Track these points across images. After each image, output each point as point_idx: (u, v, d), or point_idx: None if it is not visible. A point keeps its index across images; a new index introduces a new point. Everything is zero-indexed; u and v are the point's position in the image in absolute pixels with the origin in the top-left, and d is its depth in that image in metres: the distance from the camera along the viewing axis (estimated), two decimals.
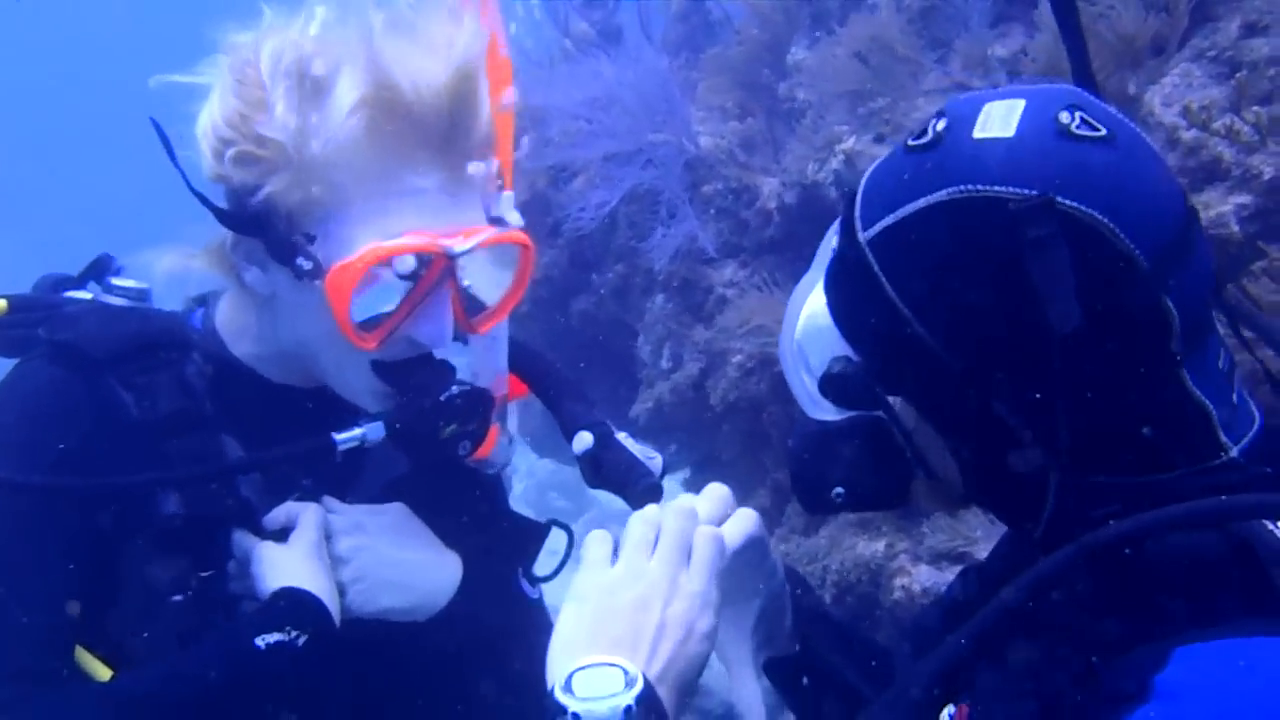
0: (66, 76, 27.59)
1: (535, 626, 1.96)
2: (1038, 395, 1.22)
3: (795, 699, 1.69)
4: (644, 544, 1.37)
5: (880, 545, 3.70)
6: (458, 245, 1.64)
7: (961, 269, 1.22)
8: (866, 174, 1.35)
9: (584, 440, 1.85)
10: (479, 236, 1.66)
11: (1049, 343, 1.17)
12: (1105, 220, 1.18)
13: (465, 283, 1.80)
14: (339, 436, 1.70)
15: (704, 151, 4.62)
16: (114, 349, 1.75)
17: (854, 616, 3.70)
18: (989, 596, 1.39)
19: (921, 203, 1.24)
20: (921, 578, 3.57)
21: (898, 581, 3.60)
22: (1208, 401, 1.24)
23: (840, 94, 4.22)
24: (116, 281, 1.87)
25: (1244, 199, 2.94)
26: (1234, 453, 1.25)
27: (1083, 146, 1.21)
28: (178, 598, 1.72)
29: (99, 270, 1.90)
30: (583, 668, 1.23)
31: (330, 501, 1.81)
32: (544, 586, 2.02)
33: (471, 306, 1.78)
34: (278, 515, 1.78)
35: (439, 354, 1.75)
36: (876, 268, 1.28)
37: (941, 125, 1.27)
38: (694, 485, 4.93)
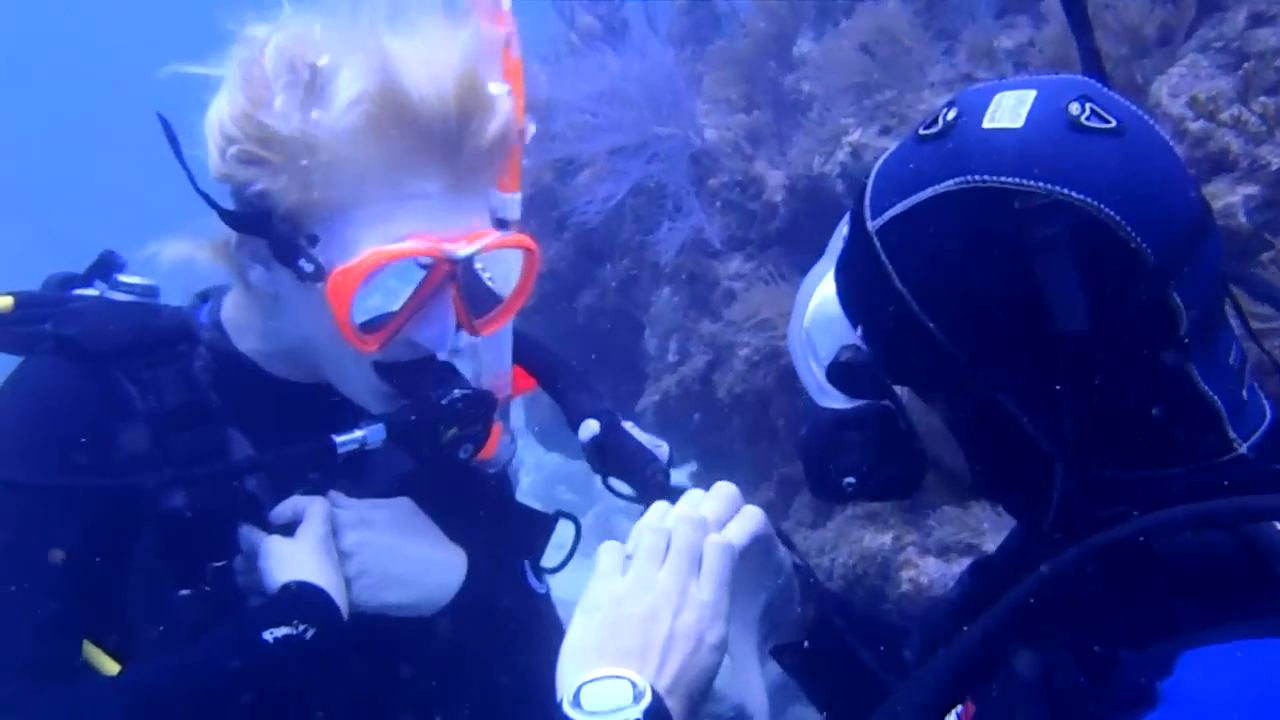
0: (77, 67, 27.62)
1: (542, 620, 1.96)
2: (1043, 388, 1.21)
3: (808, 683, 1.69)
4: (654, 553, 1.36)
5: (888, 538, 3.70)
6: (460, 250, 1.63)
7: (968, 260, 1.21)
8: (878, 162, 1.34)
9: (590, 428, 1.85)
10: (482, 241, 1.66)
11: (1055, 337, 1.17)
12: (1112, 214, 1.17)
13: (486, 275, 1.80)
14: (339, 439, 1.70)
15: (710, 144, 4.62)
16: (119, 343, 1.75)
17: (859, 612, 3.70)
18: (997, 590, 1.39)
19: (929, 192, 1.24)
20: (929, 570, 3.57)
21: (905, 574, 3.60)
22: (1215, 397, 1.24)
23: (846, 86, 4.22)
24: (123, 278, 1.87)
25: (1252, 190, 2.93)
26: (1243, 449, 1.25)
27: (1092, 138, 1.20)
28: (185, 592, 1.72)
29: (105, 267, 1.90)
30: (591, 680, 1.22)
31: (336, 495, 1.81)
32: (552, 579, 2.02)
33: (476, 307, 1.77)
34: (284, 509, 1.78)
35: (442, 355, 1.75)
36: (884, 257, 1.27)
37: (952, 115, 1.26)
38: (701, 479, 4.93)
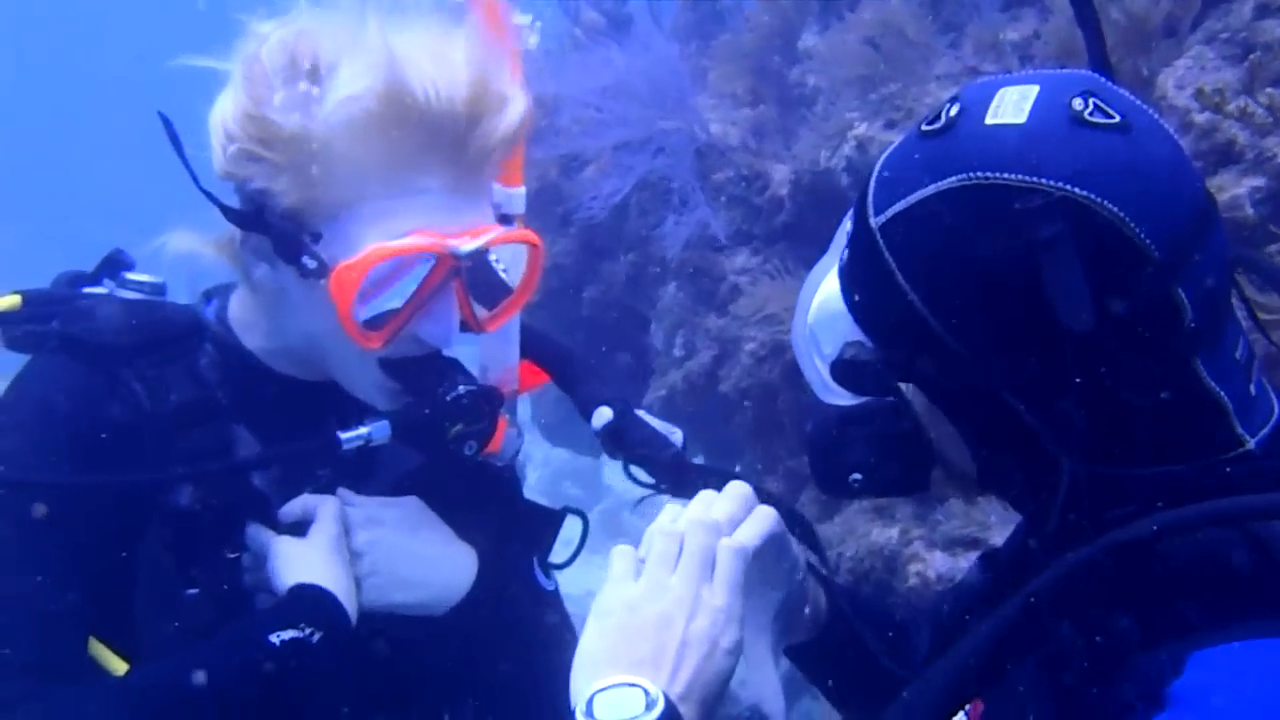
0: (79, 63, 27.65)
1: (550, 617, 1.96)
2: (1048, 385, 1.21)
3: (822, 680, 1.69)
4: (667, 558, 1.36)
5: (895, 532, 3.70)
6: (464, 246, 1.63)
7: (970, 257, 1.21)
8: (881, 158, 1.34)
9: (604, 415, 1.84)
10: (486, 237, 1.65)
11: (1059, 334, 1.17)
12: (1116, 210, 1.16)
13: (501, 267, 1.79)
14: (344, 435, 1.70)
15: (715, 139, 4.62)
16: (126, 341, 1.75)
17: (868, 602, 3.70)
18: (1005, 583, 1.39)
19: (932, 189, 1.23)
20: (936, 564, 3.57)
21: (912, 568, 3.60)
22: (1222, 393, 1.23)
23: (851, 80, 4.21)
24: (131, 276, 1.87)
25: (1258, 181, 2.92)
26: (1251, 444, 1.24)
27: (1095, 134, 1.19)
28: (192, 592, 1.72)
29: (113, 265, 1.90)
30: (604, 689, 1.22)
31: (345, 494, 1.81)
32: (560, 575, 2.02)
33: (484, 301, 1.77)
34: (293, 508, 1.78)
35: (447, 352, 1.75)
36: (887, 254, 1.27)
37: (955, 110, 1.25)
38: None
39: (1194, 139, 2.99)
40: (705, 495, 1.46)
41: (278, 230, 1.62)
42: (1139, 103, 1.25)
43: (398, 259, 1.61)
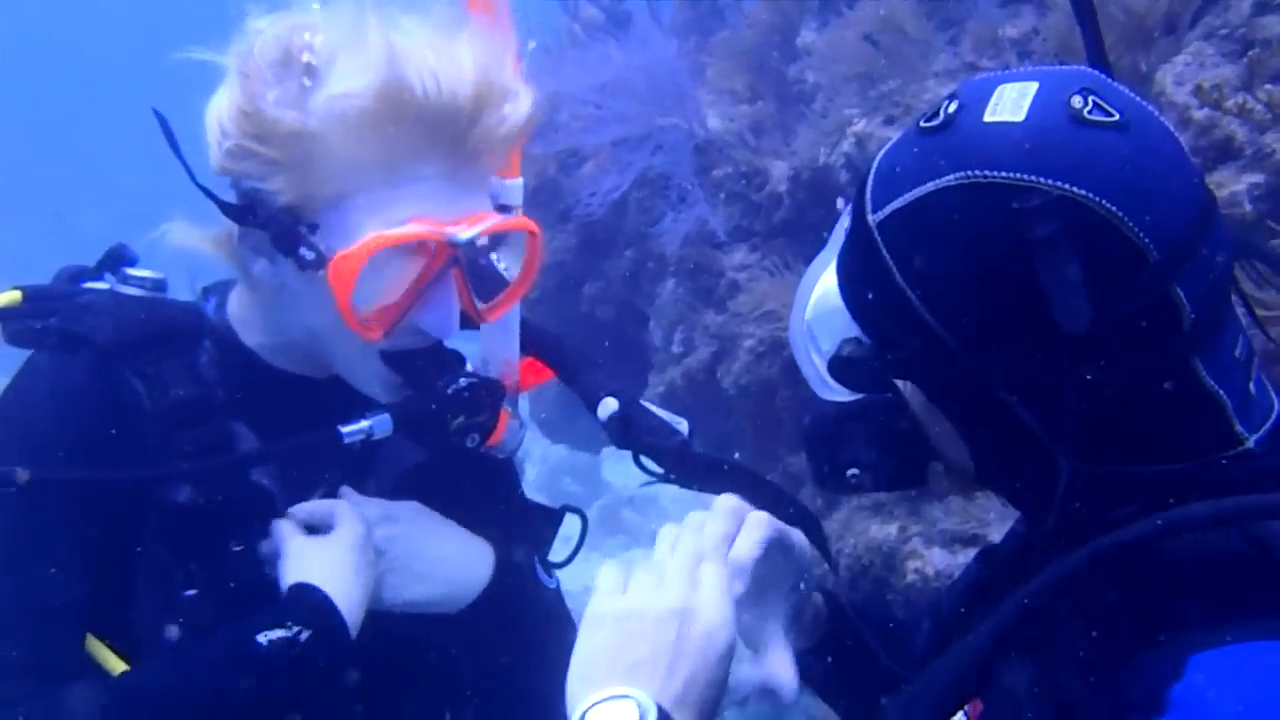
0: (80, 57, 27.63)
1: (554, 615, 1.96)
2: (1044, 384, 1.21)
3: (822, 685, 1.68)
4: (658, 567, 1.36)
5: (893, 528, 3.70)
6: (461, 233, 1.63)
7: (967, 255, 1.20)
8: (880, 154, 1.34)
9: (609, 405, 1.84)
10: (483, 224, 1.65)
11: (1056, 332, 1.17)
12: (1114, 209, 1.16)
13: (501, 265, 1.79)
14: (345, 429, 1.69)
15: (714, 135, 4.62)
16: (125, 338, 1.74)
17: (867, 600, 3.71)
18: (1004, 579, 1.39)
19: (930, 186, 1.22)
20: (935, 560, 3.57)
21: (911, 565, 3.60)
22: (1221, 391, 1.23)
23: (850, 76, 4.21)
24: (132, 271, 1.87)
25: (1257, 178, 2.92)
26: (1250, 443, 1.24)
27: (1094, 132, 1.19)
28: (191, 592, 1.72)
29: (115, 260, 1.90)
30: (597, 703, 1.22)
31: (348, 491, 1.81)
32: (560, 573, 2.02)
33: (484, 294, 1.77)
34: (316, 511, 1.78)
35: (448, 343, 1.75)
36: (885, 251, 1.26)
37: (953, 107, 1.25)
38: None
39: (1193, 135, 2.99)
40: (694, 517, 1.46)
41: (274, 223, 1.62)
42: (1139, 100, 1.24)
43: (396, 247, 1.61)
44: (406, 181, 1.61)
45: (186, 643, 1.69)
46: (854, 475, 1.42)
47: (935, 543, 3.61)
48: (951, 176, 1.21)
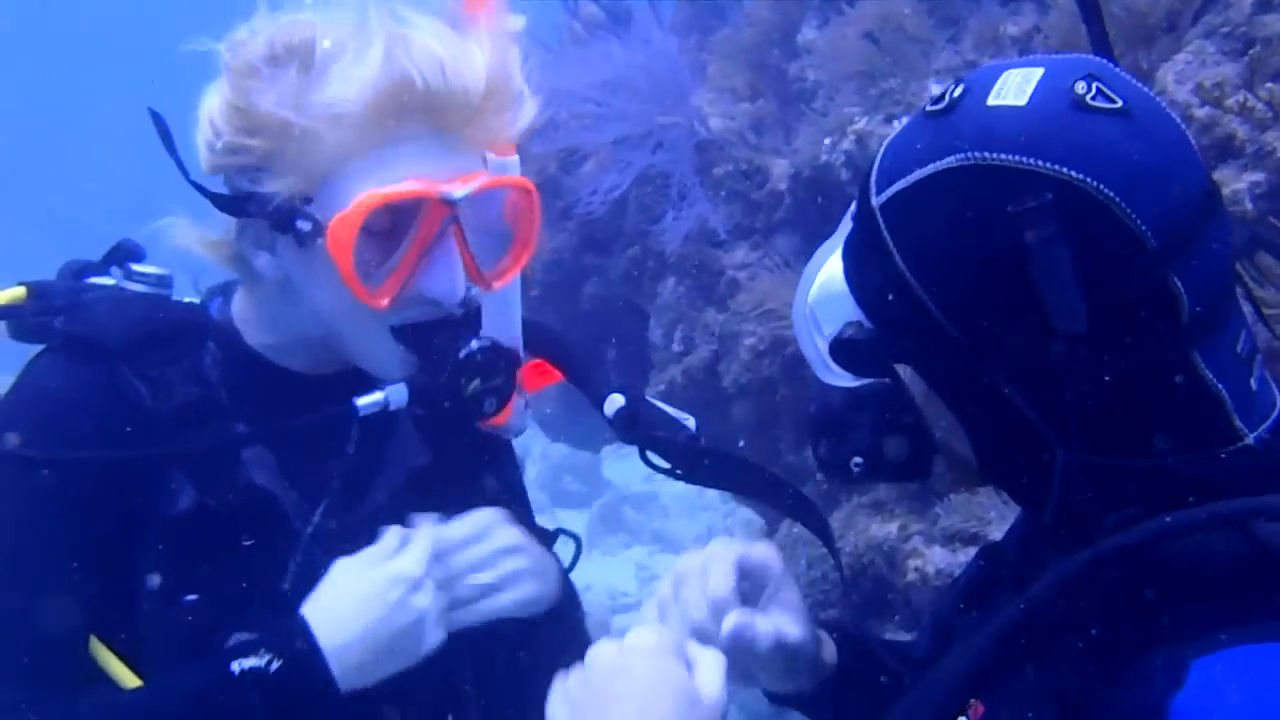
0: (78, 52, 27.61)
1: (558, 616, 1.96)
2: (1040, 371, 1.20)
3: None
4: (648, 634, 1.33)
5: (894, 527, 3.70)
6: (456, 191, 1.63)
7: (965, 238, 1.20)
8: (888, 138, 1.34)
9: (615, 401, 1.84)
10: (478, 180, 1.65)
11: (1051, 319, 1.17)
12: (1111, 194, 1.16)
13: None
14: (360, 401, 1.69)
15: (714, 133, 4.61)
16: (129, 340, 1.74)
17: (868, 598, 3.71)
18: (1006, 576, 1.39)
19: (930, 168, 1.23)
20: (935, 559, 3.57)
21: (911, 563, 3.60)
22: (1220, 385, 1.22)
23: (851, 74, 4.21)
24: (138, 268, 1.86)
25: (1258, 176, 2.92)
26: (1250, 439, 1.23)
27: (1095, 118, 1.19)
28: (191, 597, 1.71)
29: (122, 255, 1.90)
30: None
31: (426, 521, 1.78)
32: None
33: (487, 259, 1.76)
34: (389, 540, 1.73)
35: (456, 312, 1.73)
36: (885, 233, 1.27)
37: (959, 91, 1.25)
38: None
39: (1194, 134, 2.97)
40: (689, 556, 1.46)
41: (269, 204, 1.62)
42: (1144, 89, 1.24)
43: (392, 208, 1.61)
44: (398, 144, 1.61)
45: (189, 648, 1.68)
46: (858, 464, 1.42)
47: (936, 541, 3.61)
48: (951, 158, 1.21)
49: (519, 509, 1.97)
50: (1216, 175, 2.91)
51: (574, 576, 1.98)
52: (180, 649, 1.68)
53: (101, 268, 1.89)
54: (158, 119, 1.65)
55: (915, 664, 1.54)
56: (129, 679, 1.69)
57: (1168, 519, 1.14)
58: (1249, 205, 2.89)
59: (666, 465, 1.79)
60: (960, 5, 4.15)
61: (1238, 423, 1.23)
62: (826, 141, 4.15)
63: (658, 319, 4.82)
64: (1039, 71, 1.23)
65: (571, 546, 2.01)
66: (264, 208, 1.62)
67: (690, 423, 1.84)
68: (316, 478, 1.81)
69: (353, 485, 1.83)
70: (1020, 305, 1.18)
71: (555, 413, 5.47)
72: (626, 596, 9.22)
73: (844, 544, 3.82)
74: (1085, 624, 1.17)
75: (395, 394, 1.69)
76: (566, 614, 1.93)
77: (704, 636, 1.42)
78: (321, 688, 1.63)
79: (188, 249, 1.76)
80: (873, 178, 1.30)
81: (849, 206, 1.39)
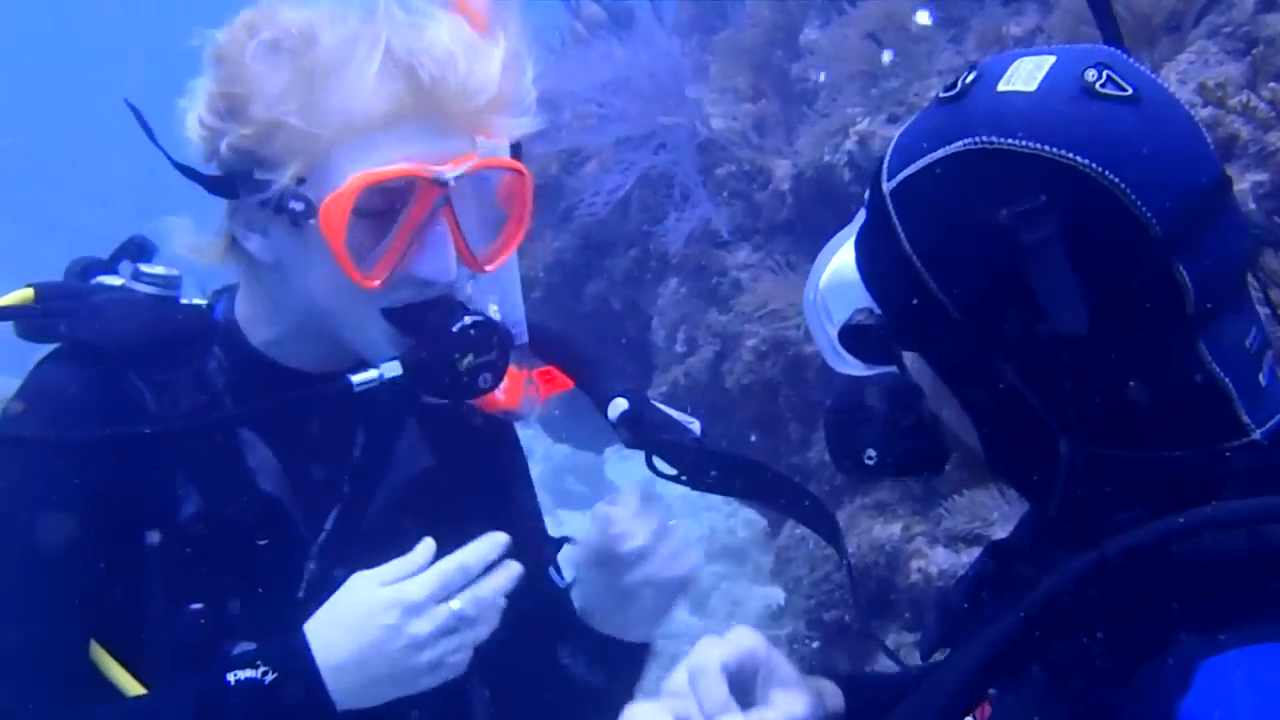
0: (77, 52, 27.63)
1: (562, 614, 1.96)
2: (1044, 360, 1.19)
3: None
4: None
5: (897, 528, 3.70)
6: (447, 172, 1.63)
7: (971, 222, 1.20)
8: (904, 126, 1.34)
9: (619, 405, 1.84)
10: (469, 162, 1.66)
11: None
12: (1117, 180, 1.15)
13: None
14: (355, 378, 1.68)
15: (717, 134, 4.61)
16: (133, 344, 1.73)
17: (871, 599, 3.70)
18: (1013, 573, 1.38)
19: (939, 153, 1.23)
20: (939, 560, 3.57)
21: (914, 564, 3.60)
22: (1227, 379, 1.21)
23: (854, 75, 4.21)
24: (146, 268, 1.85)
25: (1261, 176, 2.92)
26: (1257, 435, 1.22)
27: (1105, 105, 1.18)
28: (196, 606, 1.71)
29: (131, 253, 1.89)
30: None
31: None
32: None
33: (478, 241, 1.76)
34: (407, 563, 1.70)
35: (448, 291, 1.73)
36: (895, 218, 1.27)
37: (971, 78, 1.25)
38: None
39: None
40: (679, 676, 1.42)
41: (262, 186, 1.61)
42: (1155, 78, 1.23)
43: (384, 189, 1.61)
44: (392, 127, 1.62)
45: (192, 657, 1.68)
46: (871, 457, 1.41)
47: (939, 542, 3.60)
48: (960, 143, 1.21)
49: (525, 496, 1.97)
50: None
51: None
52: (185, 657, 1.68)
53: (110, 265, 1.89)
54: (137, 112, 1.66)
55: (919, 668, 1.54)
56: (131, 685, 1.69)
57: (1180, 519, 1.13)
58: (1252, 205, 2.89)
59: (672, 472, 1.79)
60: (963, 5, 4.15)
61: (1244, 418, 1.22)
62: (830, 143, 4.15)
63: (660, 320, 4.82)
64: (1050, 59, 1.23)
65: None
66: (257, 189, 1.62)
67: (695, 426, 1.83)
68: (322, 482, 1.81)
69: (359, 489, 1.83)
70: (1022, 288, 1.18)
71: (558, 414, 5.47)
72: None
73: (847, 545, 3.81)
74: (1093, 625, 1.16)
75: (389, 368, 1.68)
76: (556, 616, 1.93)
77: None
78: (316, 703, 1.62)
79: (186, 256, 1.76)
80: (885, 164, 1.30)
81: (852, 207, 1.39)
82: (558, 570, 1.98)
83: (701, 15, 5.52)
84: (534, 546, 1.93)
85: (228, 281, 1.87)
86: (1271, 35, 3.04)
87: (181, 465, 1.71)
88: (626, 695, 1.96)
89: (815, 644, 4.00)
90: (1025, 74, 1.22)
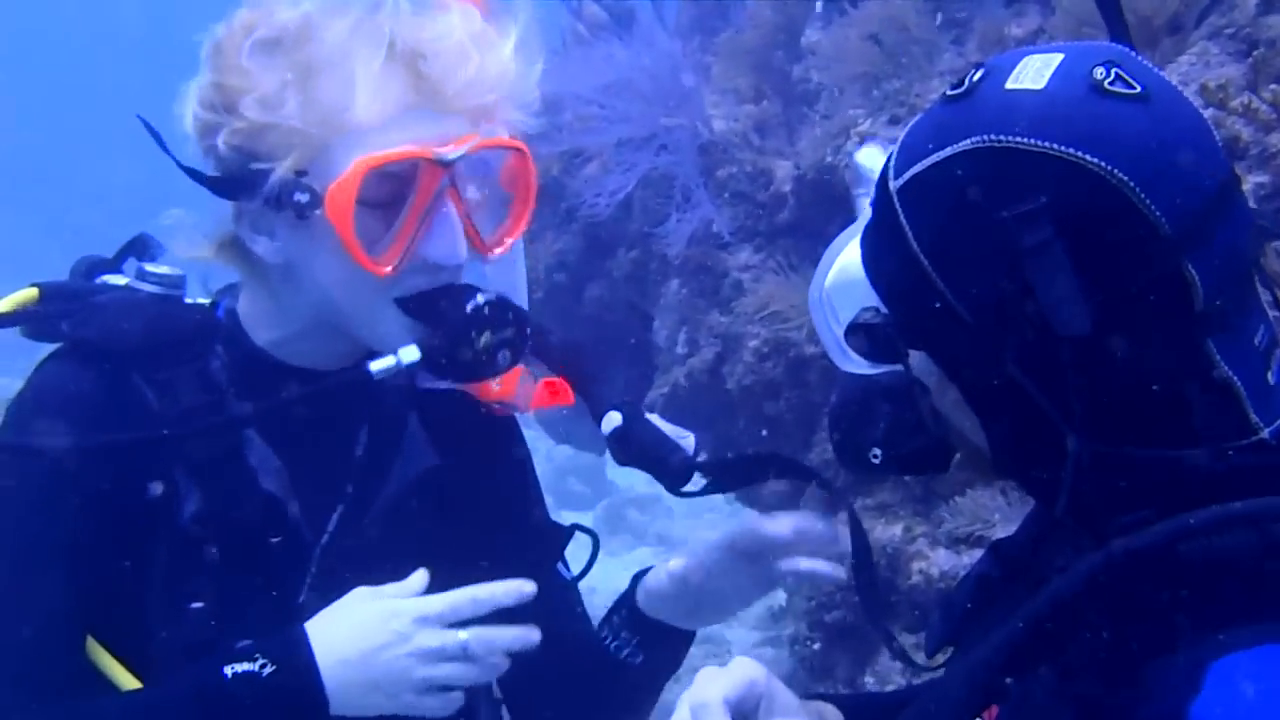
0: (79, 52, 27.64)
1: (568, 608, 1.97)
2: (1051, 358, 1.20)
3: None
4: None
5: (898, 529, 3.70)
6: (450, 152, 1.63)
7: (977, 220, 1.20)
8: (910, 123, 1.34)
9: (613, 420, 1.83)
10: (471, 142, 1.66)
11: None
12: (1126, 179, 1.15)
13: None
14: (373, 366, 1.68)
15: (718, 135, 4.61)
16: (136, 344, 1.73)
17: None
18: (1015, 573, 1.38)
19: (947, 151, 1.22)
20: (940, 561, 3.57)
21: (916, 565, 3.60)
22: (1235, 377, 1.21)
23: (855, 76, 4.21)
24: (150, 268, 1.85)
25: (1262, 178, 2.92)
26: (1266, 434, 1.22)
27: (1114, 103, 1.18)
28: (197, 605, 1.71)
29: (137, 251, 1.89)
30: None
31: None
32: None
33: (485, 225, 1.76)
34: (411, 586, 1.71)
35: (458, 277, 1.73)
36: (902, 216, 1.26)
37: (978, 76, 1.25)
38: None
39: None
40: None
41: (264, 182, 1.61)
42: (1164, 76, 1.23)
43: (388, 173, 1.61)
44: (392, 112, 1.62)
45: (193, 656, 1.68)
46: (876, 455, 1.41)
47: (940, 543, 3.60)
48: (967, 141, 1.21)
49: (532, 494, 1.97)
50: None
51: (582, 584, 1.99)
52: (186, 657, 1.68)
53: (115, 265, 1.89)
54: (146, 124, 1.66)
55: (916, 686, 1.53)
56: (129, 682, 1.69)
57: (1191, 520, 1.13)
58: (1253, 206, 2.88)
59: (697, 488, 1.79)
60: (964, 7, 4.15)
61: (1253, 416, 1.22)
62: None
63: (662, 321, 4.82)
64: (1059, 57, 1.23)
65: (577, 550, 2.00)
66: (259, 186, 1.62)
67: (689, 442, 1.83)
68: (325, 483, 1.81)
69: (363, 489, 1.83)
70: (1028, 295, 1.18)
71: (559, 414, 5.47)
72: None
73: (848, 545, 3.81)
74: (1101, 625, 1.16)
75: (406, 353, 1.68)
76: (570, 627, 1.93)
77: None
78: (313, 698, 1.62)
79: (193, 257, 1.76)
80: (891, 162, 1.30)
81: (853, 209, 1.39)
82: (565, 564, 1.98)
83: (703, 16, 5.51)
84: (540, 539, 1.94)
85: (231, 279, 1.87)
86: (1273, 37, 3.04)
87: (183, 464, 1.71)
88: (666, 676, 1.97)
89: (816, 645, 4.00)
90: (1033, 72, 1.22)
